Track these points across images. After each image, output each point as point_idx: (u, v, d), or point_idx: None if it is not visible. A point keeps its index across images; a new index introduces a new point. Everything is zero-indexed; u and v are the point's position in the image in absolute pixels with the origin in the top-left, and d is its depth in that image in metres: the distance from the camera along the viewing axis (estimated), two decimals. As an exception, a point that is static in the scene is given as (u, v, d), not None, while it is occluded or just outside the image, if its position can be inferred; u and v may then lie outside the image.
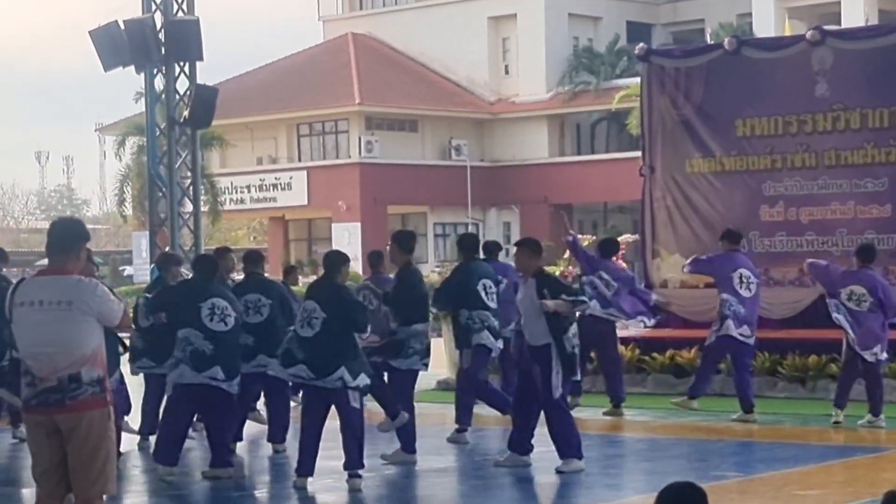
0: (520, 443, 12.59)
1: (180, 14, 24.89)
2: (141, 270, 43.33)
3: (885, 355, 14.93)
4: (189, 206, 26.46)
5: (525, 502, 11.55)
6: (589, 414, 16.31)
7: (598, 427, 15.46)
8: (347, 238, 51.06)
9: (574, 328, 12.31)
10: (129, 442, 13.91)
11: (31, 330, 8.03)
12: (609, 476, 12.41)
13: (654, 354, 18.36)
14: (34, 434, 8.10)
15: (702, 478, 10.86)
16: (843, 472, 12.21)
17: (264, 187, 55.82)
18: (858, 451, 13.48)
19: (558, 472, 12.17)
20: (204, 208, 32.75)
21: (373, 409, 12.91)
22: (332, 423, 11.95)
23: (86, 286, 8.09)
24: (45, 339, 7.96)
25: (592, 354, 16.87)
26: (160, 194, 26.08)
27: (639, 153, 20.29)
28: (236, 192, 55.57)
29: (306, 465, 11.80)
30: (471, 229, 55.88)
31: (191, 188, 26.48)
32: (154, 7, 25.03)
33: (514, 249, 13.09)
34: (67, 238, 8.21)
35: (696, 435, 14.78)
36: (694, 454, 13.67)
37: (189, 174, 26.38)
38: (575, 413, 15.91)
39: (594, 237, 34.52)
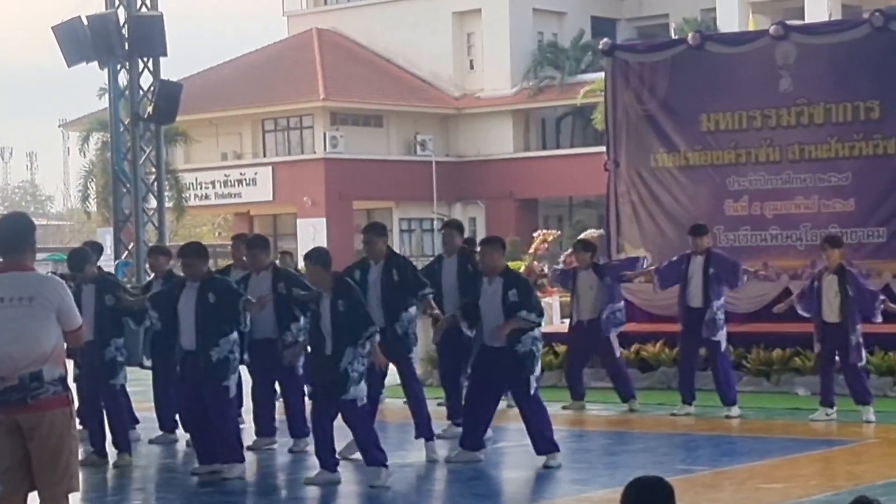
0: (472, 440, 12.59)
1: (144, 9, 24.80)
2: (106, 267, 43.11)
3: None
4: (153, 203, 26.40)
5: (491, 497, 11.54)
6: (552, 410, 16.34)
7: (563, 421, 15.45)
8: (313, 233, 50.98)
9: (535, 331, 12.27)
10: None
11: (-7, 328, 7.92)
12: (574, 470, 12.39)
13: (619, 349, 18.33)
14: (-5, 432, 8.02)
15: (667, 472, 10.85)
16: (807, 466, 12.25)
17: (229, 183, 55.68)
18: (822, 445, 13.53)
19: (546, 467, 12.21)
20: (168, 204, 32.65)
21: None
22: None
23: (48, 281, 8.01)
24: (6, 338, 7.81)
25: None
26: (124, 190, 25.99)
27: (604, 148, 20.32)
28: (201, 187, 55.40)
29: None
30: (436, 224, 56.01)
31: (155, 184, 26.38)
32: (117, 2, 24.92)
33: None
34: (19, 234, 8.03)
35: (661, 429, 14.81)
36: (659, 448, 13.71)
37: (153, 170, 26.29)
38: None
39: (559, 232, 34.52)
